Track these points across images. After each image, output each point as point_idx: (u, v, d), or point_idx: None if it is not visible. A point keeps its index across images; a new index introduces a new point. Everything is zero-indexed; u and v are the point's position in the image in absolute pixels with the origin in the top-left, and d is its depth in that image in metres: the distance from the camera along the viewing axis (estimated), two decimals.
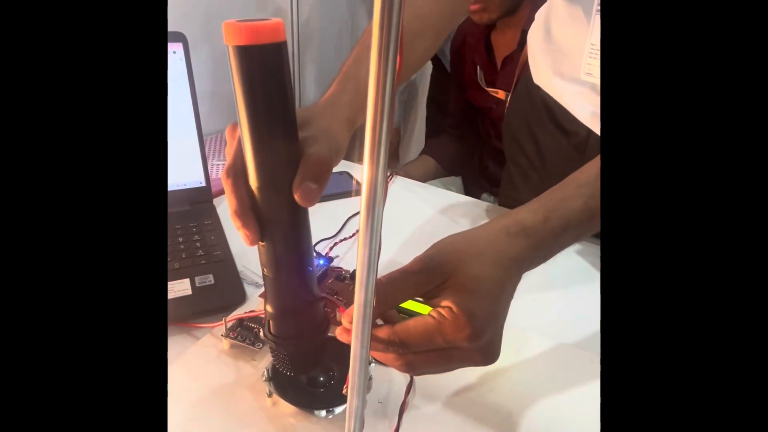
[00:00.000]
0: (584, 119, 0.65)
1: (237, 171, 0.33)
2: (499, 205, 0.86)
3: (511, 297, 0.36)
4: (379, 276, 0.29)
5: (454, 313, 0.33)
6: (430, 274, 0.35)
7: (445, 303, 0.34)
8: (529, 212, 0.38)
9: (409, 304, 0.45)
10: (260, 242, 0.34)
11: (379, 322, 0.37)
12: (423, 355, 0.35)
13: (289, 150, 0.32)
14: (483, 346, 0.34)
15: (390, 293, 0.34)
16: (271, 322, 0.38)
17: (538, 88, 0.73)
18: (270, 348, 0.39)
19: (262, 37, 0.28)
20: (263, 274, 0.36)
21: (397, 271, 0.35)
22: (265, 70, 0.29)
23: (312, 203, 0.32)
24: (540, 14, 0.73)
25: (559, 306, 0.58)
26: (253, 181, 0.32)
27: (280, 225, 0.34)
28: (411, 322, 0.34)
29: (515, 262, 0.36)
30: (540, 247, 0.37)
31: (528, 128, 0.78)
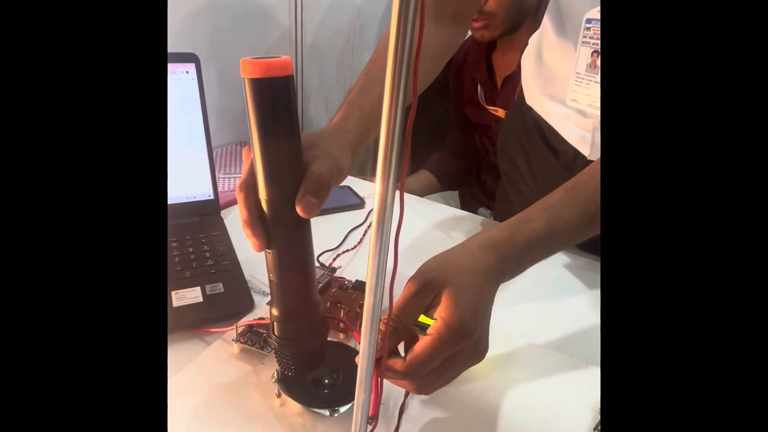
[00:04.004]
0: (571, 140, 0.68)
1: (248, 185, 0.38)
2: (495, 219, 0.89)
3: (490, 300, 0.42)
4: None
5: (447, 321, 0.38)
6: (426, 292, 0.40)
7: (438, 315, 0.39)
8: (498, 230, 0.45)
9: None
10: (267, 249, 0.38)
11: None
12: (432, 373, 0.39)
13: (294, 168, 0.36)
14: (474, 344, 0.40)
15: (405, 319, 0.40)
16: (275, 324, 0.41)
17: (530, 108, 0.77)
18: (273, 349, 0.42)
19: (272, 72, 0.32)
20: (269, 279, 0.39)
21: (401, 298, 0.41)
22: (275, 99, 0.34)
23: (312, 215, 0.36)
24: (533, 39, 0.77)
25: (551, 316, 0.61)
26: (262, 195, 0.36)
27: (284, 234, 0.37)
28: (417, 349, 0.38)
29: (489, 271, 0.42)
30: (508, 259, 0.43)
31: (521, 146, 0.81)
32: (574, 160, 0.69)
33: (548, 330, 0.58)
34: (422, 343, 0.38)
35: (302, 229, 0.38)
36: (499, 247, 0.43)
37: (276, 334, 0.41)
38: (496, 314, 0.42)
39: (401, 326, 0.39)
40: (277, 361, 0.43)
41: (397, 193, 0.27)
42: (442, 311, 0.39)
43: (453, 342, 0.38)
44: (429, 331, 0.39)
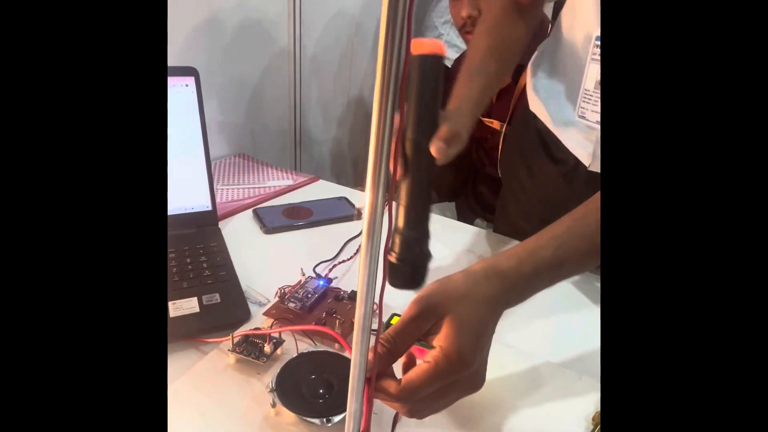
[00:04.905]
0: (572, 148, 0.69)
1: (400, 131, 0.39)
2: (494, 231, 0.89)
3: (492, 331, 0.42)
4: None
5: (446, 351, 0.38)
6: (426, 318, 0.40)
7: (437, 343, 0.39)
8: (504, 258, 0.44)
9: None
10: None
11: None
12: (425, 400, 0.39)
13: (435, 121, 0.41)
14: (472, 376, 0.39)
15: (400, 342, 0.40)
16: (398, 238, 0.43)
17: (533, 118, 0.77)
18: (390, 265, 0.42)
19: (436, 50, 0.38)
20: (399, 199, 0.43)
21: (400, 321, 0.41)
22: (433, 70, 0.39)
23: (442, 157, 0.40)
24: (540, 47, 0.78)
25: (547, 328, 0.61)
26: (408, 135, 0.40)
27: (417, 163, 0.40)
28: (412, 374, 0.39)
29: (493, 301, 0.42)
30: (514, 289, 0.43)
31: (522, 155, 0.82)
32: (574, 170, 0.70)
33: (541, 340, 0.58)
34: (418, 369, 0.38)
35: (430, 162, 0.41)
36: (504, 277, 0.43)
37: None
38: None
39: (395, 348, 0.40)
40: (392, 275, 0.42)
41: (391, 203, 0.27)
42: (441, 340, 0.39)
43: (450, 372, 0.38)
44: (426, 358, 0.39)
